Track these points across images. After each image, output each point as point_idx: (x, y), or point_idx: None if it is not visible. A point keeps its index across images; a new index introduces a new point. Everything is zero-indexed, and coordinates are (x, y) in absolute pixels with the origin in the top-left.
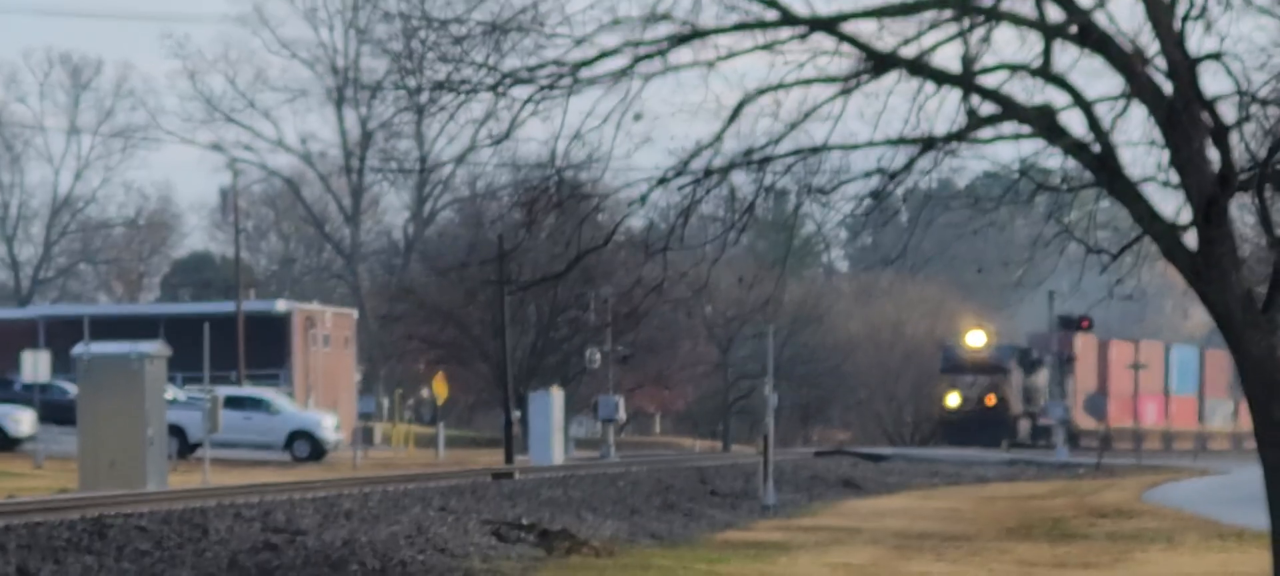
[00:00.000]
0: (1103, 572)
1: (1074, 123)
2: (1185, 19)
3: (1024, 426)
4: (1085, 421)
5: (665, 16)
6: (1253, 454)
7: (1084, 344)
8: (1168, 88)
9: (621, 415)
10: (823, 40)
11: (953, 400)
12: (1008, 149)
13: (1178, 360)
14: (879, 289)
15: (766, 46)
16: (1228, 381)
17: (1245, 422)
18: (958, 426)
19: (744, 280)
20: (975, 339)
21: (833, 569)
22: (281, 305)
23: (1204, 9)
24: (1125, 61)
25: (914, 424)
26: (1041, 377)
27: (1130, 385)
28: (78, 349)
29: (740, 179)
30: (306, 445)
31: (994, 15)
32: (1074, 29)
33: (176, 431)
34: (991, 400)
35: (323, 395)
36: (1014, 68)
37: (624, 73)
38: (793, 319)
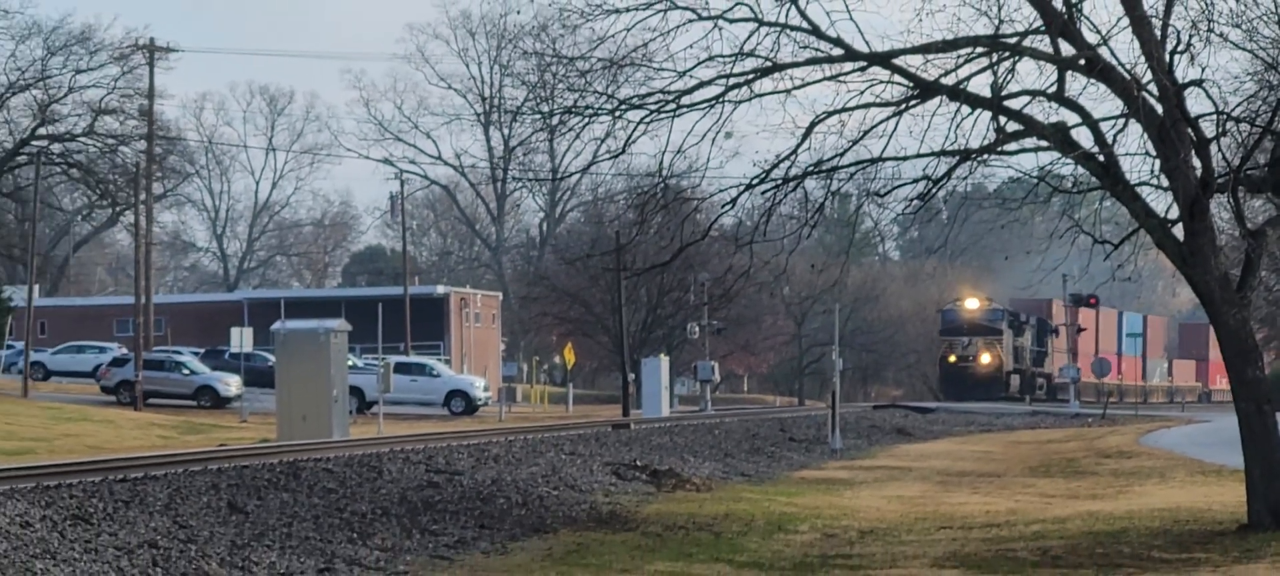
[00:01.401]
0: (1107, 503)
1: (1083, 137)
2: (1173, 53)
3: (1014, 381)
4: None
5: (751, 54)
6: (1174, 407)
7: (1058, 313)
8: (1159, 109)
9: (716, 377)
10: (879, 72)
11: (951, 357)
12: (1029, 159)
13: (1127, 326)
14: (924, 273)
15: (833, 77)
16: (1164, 344)
17: (1178, 379)
18: (954, 380)
19: (815, 267)
20: (971, 303)
21: (888, 500)
22: (440, 289)
23: (1188, 44)
24: (1124, 87)
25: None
26: (1028, 338)
27: (1088, 343)
28: (275, 325)
29: (811, 185)
30: (461, 402)
31: (1018, 51)
32: (1083, 61)
33: (356, 392)
34: (985, 357)
35: (474, 362)
36: (1034, 93)
37: (717, 99)
38: (854, 298)
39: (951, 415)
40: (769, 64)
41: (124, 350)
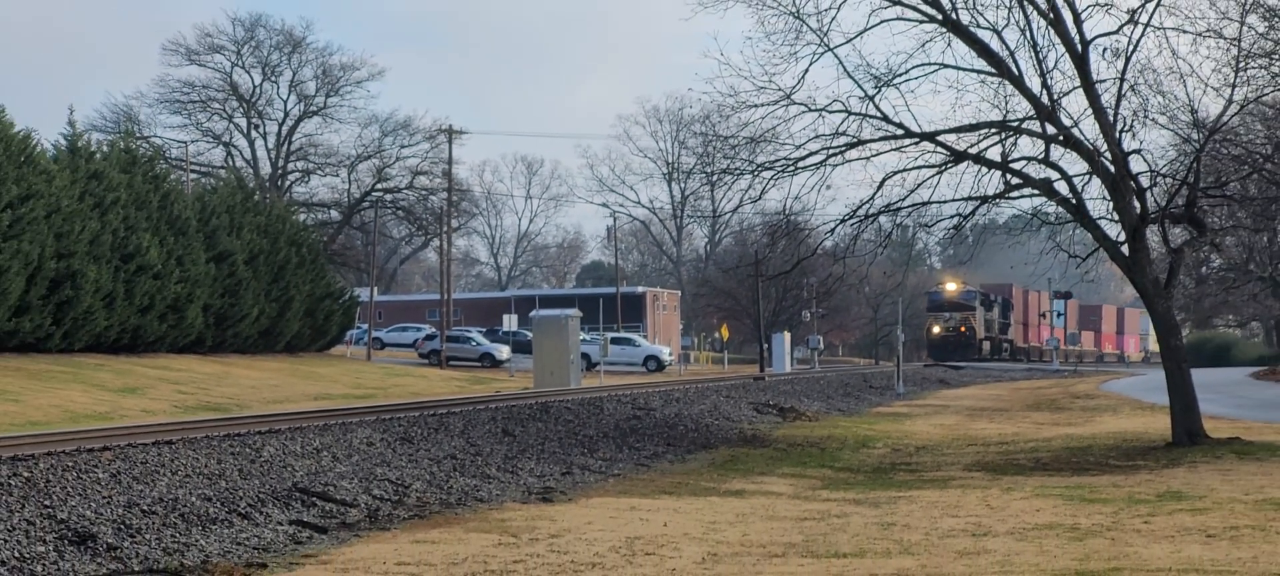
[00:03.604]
0: (1078, 428)
1: (1062, 188)
2: (1120, 132)
3: (986, 346)
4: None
5: (843, 133)
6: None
7: (1017, 294)
8: (1112, 169)
9: (820, 346)
10: (927, 145)
11: (935, 328)
12: (1026, 202)
13: (1056, 306)
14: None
15: (897, 149)
16: (1078, 319)
17: (1084, 345)
18: (939, 346)
19: (885, 273)
20: (950, 287)
21: (934, 426)
22: (640, 289)
23: (1131, 126)
24: (1089, 155)
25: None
26: (996, 313)
27: (1036, 318)
28: (533, 313)
29: (883, 220)
30: (654, 363)
31: (1018, 131)
32: (1061, 138)
33: (585, 356)
34: (963, 328)
35: (662, 337)
36: (1029, 159)
37: (821, 164)
38: (911, 294)
39: (976, 371)
40: (855, 140)
41: (433, 329)
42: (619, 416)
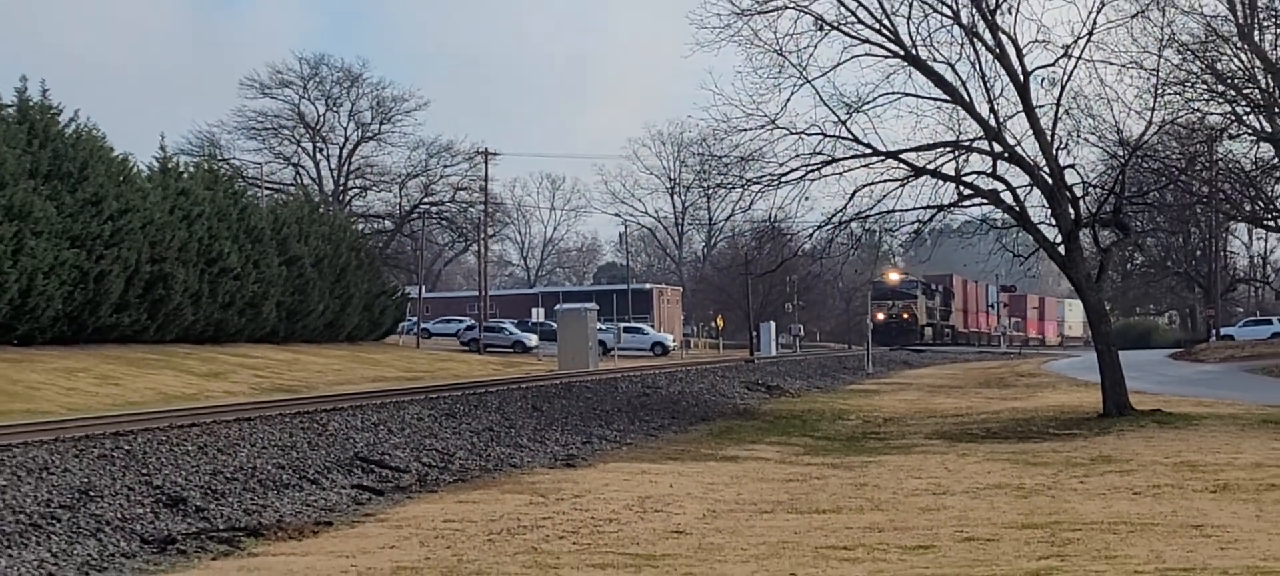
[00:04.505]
0: (1023, 402)
1: (1008, 198)
2: (1056, 150)
3: (928, 331)
4: (977, 327)
5: (820, 153)
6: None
7: (957, 284)
8: (1049, 181)
9: (801, 333)
10: (892, 162)
11: (879, 315)
12: (976, 210)
13: (989, 293)
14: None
15: (866, 165)
16: (1009, 308)
17: (1011, 330)
18: (882, 332)
19: (856, 271)
20: (893, 277)
21: (899, 401)
22: (648, 285)
23: (1065, 145)
24: (1030, 169)
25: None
26: (938, 301)
27: (975, 306)
28: (557, 307)
29: (854, 226)
30: (661, 348)
31: (969, 149)
32: (1006, 155)
33: (602, 343)
34: (905, 315)
35: (666, 326)
36: (979, 173)
37: (800, 178)
38: (878, 289)
39: (935, 354)
40: (830, 159)
41: (472, 321)
42: (631, 394)
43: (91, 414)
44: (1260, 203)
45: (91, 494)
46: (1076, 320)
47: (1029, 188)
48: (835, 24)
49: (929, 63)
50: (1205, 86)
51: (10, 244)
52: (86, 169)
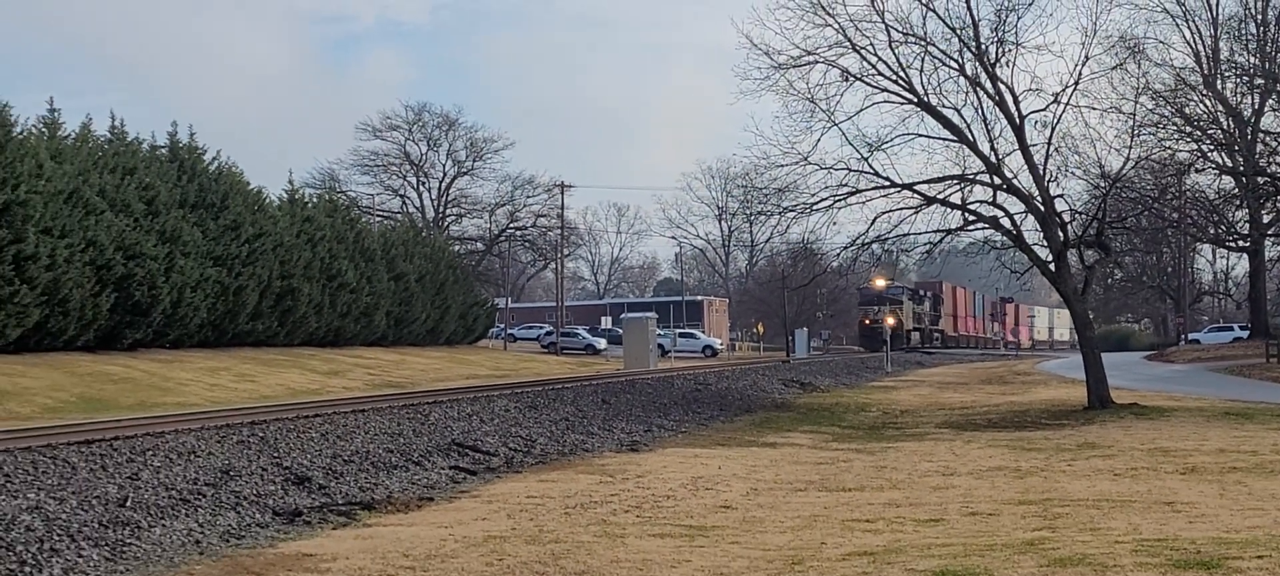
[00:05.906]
0: (1020, 397)
1: (1006, 222)
2: (1048, 182)
3: (914, 337)
4: (963, 331)
5: (845, 185)
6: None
7: (947, 290)
8: (1042, 208)
9: (829, 338)
10: (907, 193)
11: (865, 321)
12: (979, 233)
13: (977, 300)
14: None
15: (885, 195)
16: (991, 313)
17: (993, 333)
18: (869, 336)
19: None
20: (879, 283)
21: (914, 395)
22: (699, 297)
23: (1056, 177)
24: (1025, 198)
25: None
26: (926, 306)
27: (964, 312)
28: (622, 315)
29: (875, 247)
30: (710, 351)
31: (973, 182)
32: (1005, 187)
33: (660, 347)
34: (889, 320)
35: (715, 331)
36: (982, 201)
37: (829, 207)
38: (864, 295)
39: (946, 354)
40: (854, 190)
41: (551, 327)
42: (685, 390)
43: (231, 406)
44: (1222, 227)
45: (231, 473)
46: (1058, 325)
47: (1024, 214)
48: (859, 76)
49: (939, 108)
50: (1175, 128)
51: (164, 263)
52: (227, 199)
